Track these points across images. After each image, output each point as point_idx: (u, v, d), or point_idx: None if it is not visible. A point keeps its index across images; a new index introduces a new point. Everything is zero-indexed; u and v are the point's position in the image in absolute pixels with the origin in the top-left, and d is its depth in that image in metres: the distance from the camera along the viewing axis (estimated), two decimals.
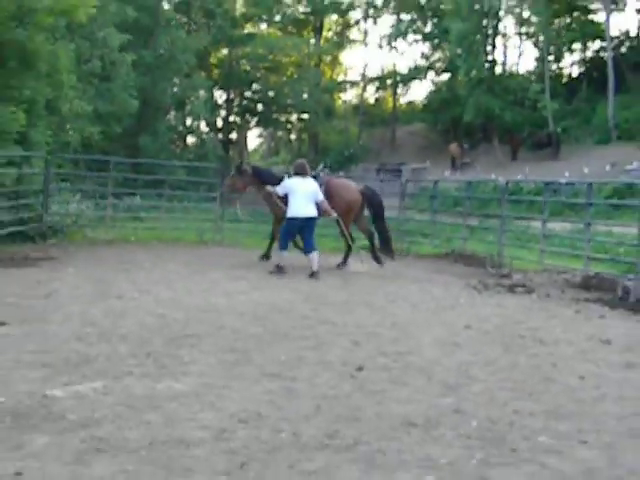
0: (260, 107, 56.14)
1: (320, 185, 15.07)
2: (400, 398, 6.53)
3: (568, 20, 53.44)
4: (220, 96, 54.88)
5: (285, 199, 14.63)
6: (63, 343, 7.98)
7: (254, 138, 75.76)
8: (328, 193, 15.28)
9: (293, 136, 66.04)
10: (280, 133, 67.85)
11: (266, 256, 15.99)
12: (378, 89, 63.57)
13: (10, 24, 19.65)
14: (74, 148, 24.93)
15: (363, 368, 7.45)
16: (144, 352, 7.74)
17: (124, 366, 7.15)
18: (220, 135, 53.40)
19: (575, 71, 56.31)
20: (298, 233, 14.83)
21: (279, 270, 14.33)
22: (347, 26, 62.82)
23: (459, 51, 48.14)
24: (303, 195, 14.35)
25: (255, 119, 58.63)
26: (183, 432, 5.43)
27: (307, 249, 14.59)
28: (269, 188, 15.29)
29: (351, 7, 60.97)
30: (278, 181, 15.27)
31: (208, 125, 51.32)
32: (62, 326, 8.86)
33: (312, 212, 14.41)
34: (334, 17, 61.78)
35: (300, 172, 14.77)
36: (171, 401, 6.14)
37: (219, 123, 53.89)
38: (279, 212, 15.34)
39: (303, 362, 7.66)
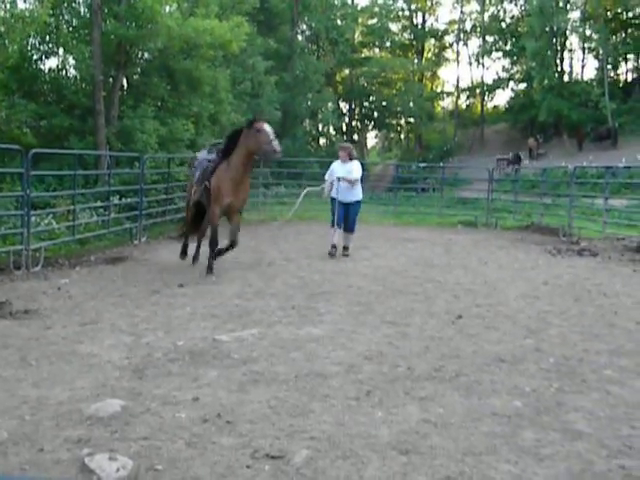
0: (376, 114, 56.14)
1: None
2: (492, 339, 6.45)
3: (623, 35, 51.65)
4: (344, 106, 55.15)
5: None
6: (227, 300, 8.15)
7: (371, 138, 75.46)
8: None
9: (402, 136, 65.63)
10: (392, 134, 67.43)
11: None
12: (469, 97, 62.51)
13: (180, 57, 20.17)
14: None
15: (462, 316, 7.40)
16: (289, 305, 7.84)
17: (274, 316, 7.26)
18: (345, 136, 53.56)
19: (629, 77, 54.30)
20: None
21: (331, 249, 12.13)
22: (443, 48, 61.93)
23: (534, 64, 47.19)
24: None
25: (372, 123, 58.72)
26: (321, 367, 5.48)
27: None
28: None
29: (446, 33, 60.41)
30: None
31: (335, 129, 51.70)
32: (226, 287, 9.04)
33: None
34: (432, 41, 61.09)
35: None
36: (311, 343, 6.21)
37: (344, 127, 54.06)
38: None
39: (414, 312, 7.63)
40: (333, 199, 12.19)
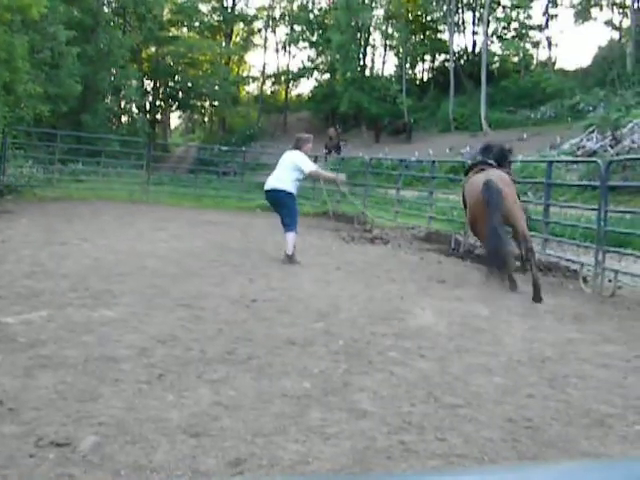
0: (180, 94, 55.49)
1: None
2: (284, 323, 6.55)
3: (422, 37, 54.44)
4: (149, 84, 54.00)
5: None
6: (15, 280, 7.73)
7: (175, 119, 74.46)
8: None
9: (206, 118, 65.31)
10: (196, 116, 66.94)
11: None
12: (274, 83, 63.39)
13: None
14: (27, 122, 24.15)
15: (256, 300, 7.45)
16: (82, 287, 7.56)
17: (65, 298, 6.97)
18: (148, 115, 52.45)
19: (425, 76, 57.42)
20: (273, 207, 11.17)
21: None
22: (251, 33, 62.27)
23: (338, 57, 48.61)
24: (279, 168, 10.79)
25: (176, 104, 57.98)
26: (112, 350, 5.34)
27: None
28: None
29: (255, 18, 60.84)
30: None
31: (138, 107, 50.39)
32: (15, 266, 8.59)
33: (277, 185, 10.53)
34: (241, 25, 61.20)
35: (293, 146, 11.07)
36: (103, 326, 6.02)
37: (147, 106, 52.96)
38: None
39: (209, 295, 7.61)
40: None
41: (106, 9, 43.90)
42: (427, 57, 56.29)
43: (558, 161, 20.78)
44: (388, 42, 54.48)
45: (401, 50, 51.56)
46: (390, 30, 52.40)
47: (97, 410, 4.17)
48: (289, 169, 10.49)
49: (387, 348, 5.91)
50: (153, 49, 52.98)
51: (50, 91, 28.50)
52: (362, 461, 3.76)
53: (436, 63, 56.63)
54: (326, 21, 55.16)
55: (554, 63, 51.11)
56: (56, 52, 30.36)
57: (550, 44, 50.46)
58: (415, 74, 57.18)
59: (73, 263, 9.08)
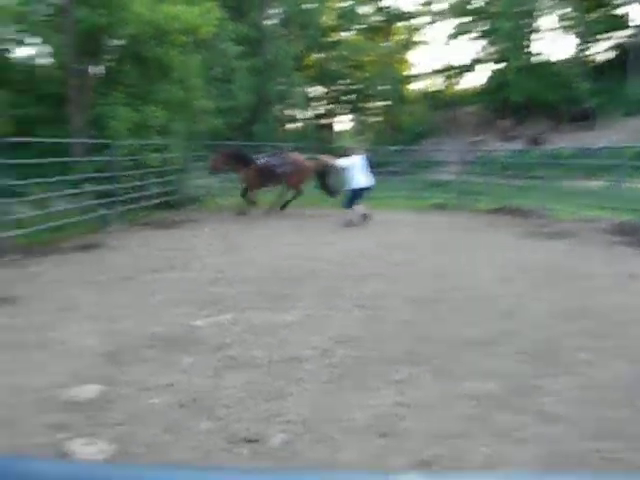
0: (347, 97, 56.17)
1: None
2: (465, 322, 6.50)
3: (597, 15, 52.02)
4: (315, 90, 55.04)
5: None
6: (200, 286, 8.17)
7: (344, 122, 75.60)
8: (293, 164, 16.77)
9: (375, 119, 65.80)
10: (364, 117, 67.58)
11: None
12: (441, 79, 62.79)
13: (151, 43, 20.05)
14: (204, 136, 25.33)
15: (435, 299, 7.42)
16: (261, 291, 7.86)
17: (247, 302, 7.28)
18: (316, 121, 53.53)
19: (604, 57, 54.75)
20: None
21: (350, 223, 14.47)
22: (414, 30, 61.98)
23: (506, 45, 47.52)
24: (362, 169, 14.79)
25: (344, 107, 58.68)
26: (294, 351, 5.53)
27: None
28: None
29: (418, 14, 60.47)
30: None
31: (306, 114, 51.53)
32: (200, 273, 9.06)
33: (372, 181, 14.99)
34: (403, 23, 61.09)
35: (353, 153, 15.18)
36: (284, 328, 6.24)
37: (315, 111, 54.02)
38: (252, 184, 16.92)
39: (386, 295, 7.67)
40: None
41: (270, 22, 45.40)
42: (604, 36, 53.64)
43: None
44: (562, 23, 52.60)
45: (577, 30, 49.59)
46: (562, 11, 50.57)
47: (284, 408, 4.36)
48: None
49: (577, 348, 5.70)
50: (317, 55, 54.04)
51: (223, 105, 29.78)
52: (553, 468, 3.67)
53: (615, 41, 53.92)
54: (492, 10, 53.98)
55: None
56: (227, 68, 31.71)
57: None
58: (593, 55, 54.73)
59: (252, 269, 9.42)
